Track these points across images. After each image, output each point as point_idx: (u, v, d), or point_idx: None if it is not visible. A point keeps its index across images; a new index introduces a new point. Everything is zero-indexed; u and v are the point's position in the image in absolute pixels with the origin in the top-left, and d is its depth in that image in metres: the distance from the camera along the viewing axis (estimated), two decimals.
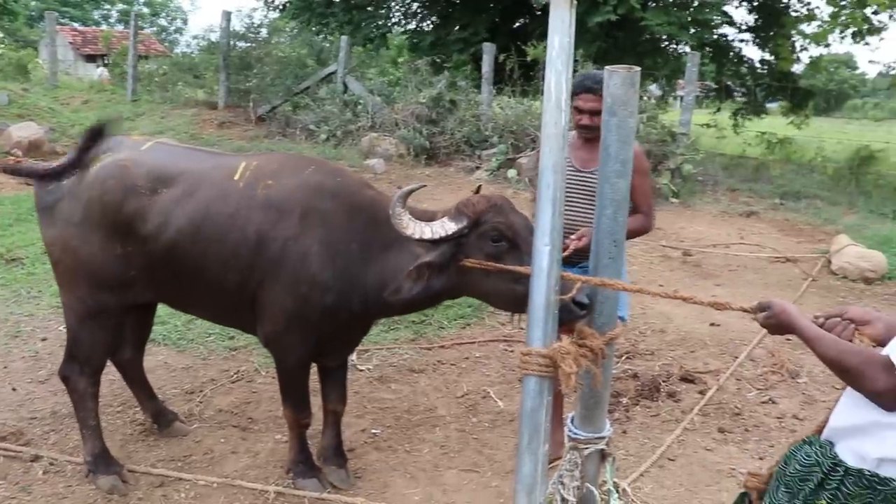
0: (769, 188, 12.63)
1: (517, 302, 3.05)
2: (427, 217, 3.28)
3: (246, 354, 5.57)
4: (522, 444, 2.74)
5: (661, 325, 6.53)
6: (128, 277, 3.64)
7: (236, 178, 3.54)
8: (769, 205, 11.80)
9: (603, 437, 3.16)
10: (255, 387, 5.10)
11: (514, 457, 3.00)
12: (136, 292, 3.73)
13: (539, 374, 2.68)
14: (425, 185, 3.57)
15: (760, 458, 4.45)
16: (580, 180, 3.96)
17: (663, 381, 5.36)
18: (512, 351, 5.84)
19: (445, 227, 3.12)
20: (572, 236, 3.69)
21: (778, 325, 2.27)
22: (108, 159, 3.63)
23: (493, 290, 3.21)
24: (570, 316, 2.83)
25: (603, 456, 3.19)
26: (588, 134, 3.94)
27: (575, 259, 3.73)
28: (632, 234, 3.87)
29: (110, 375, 4.42)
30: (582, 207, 3.94)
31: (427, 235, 3.10)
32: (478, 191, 3.50)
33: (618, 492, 3.76)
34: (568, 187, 3.80)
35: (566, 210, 3.78)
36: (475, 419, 4.83)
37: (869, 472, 2.03)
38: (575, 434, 3.14)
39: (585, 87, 3.84)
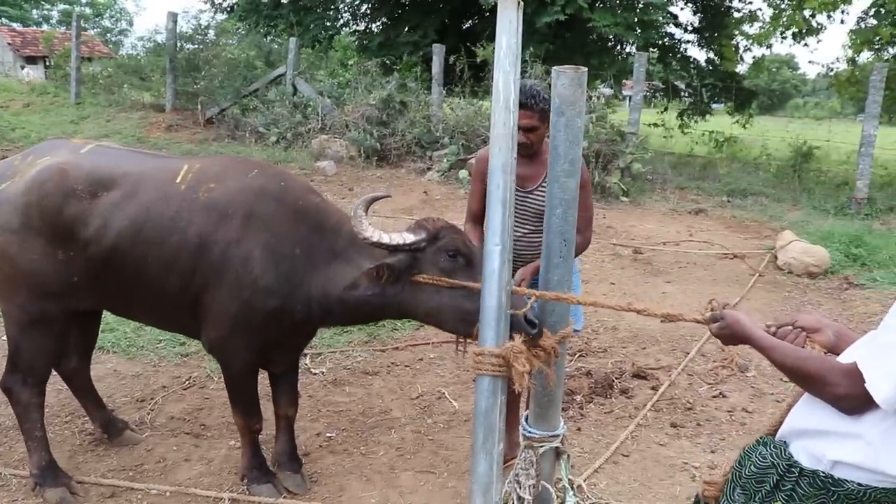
0: (716, 186, 12.87)
1: (464, 319, 3.10)
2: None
3: (198, 360, 5.49)
4: (477, 443, 2.75)
5: (614, 322, 6.61)
6: (70, 283, 3.56)
7: (178, 180, 3.49)
8: (717, 202, 12.03)
9: (557, 435, 3.18)
10: (208, 393, 5.03)
11: (470, 457, 3.01)
12: (79, 298, 3.65)
13: (492, 373, 2.70)
14: (389, 196, 3.55)
15: (712, 452, 4.53)
16: (520, 200, 3.79)
17: (616, 378, 5.42)
18: (465, 352, 5.84)
19: (404, 236, 3.13)
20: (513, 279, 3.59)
21: (731, 335, 2.26)
22: (46, 163, 3.54)
23: (442, 306, 3.21)
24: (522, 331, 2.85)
25: (558, 454, 3.22)
26: (523, 152, 3.65)
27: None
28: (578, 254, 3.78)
29: (57, 385, 4.32)
30: (524, 229, 3.85)
31: (386, 240, 3.09)
32: None
33: (573, 489, 3.79)
34: None
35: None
36: (430, 420, 4.83)
37: (823, 473, 2.03)
38: (529, 433, 3.16)
39: (518, 103, 3.73)
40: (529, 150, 3.64)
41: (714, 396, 5.28)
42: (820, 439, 2.07)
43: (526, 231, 3.84)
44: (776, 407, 5.14)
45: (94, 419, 4.34)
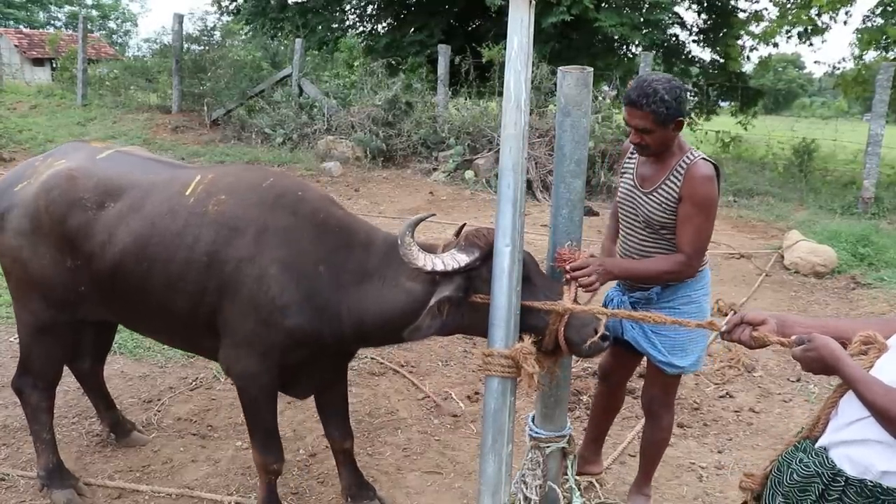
0: (723, 186, 12.74)
1: (529, 336, 2.86)
2: (427, 249, 3.07)
3: (204, 362, 5.48)
4: (486, 444, 2.74)
5: None
6: (78, 293, 3.45)
7: (187, 192, 3.26)
8: (723, 202, 11.98)
9: (564, 436, 3.19)
10: (215, 394, 5.03)
11: (476, 457, 3.01)
12: (88, 309, 3.54)
13: (501, 374, 2.69)
14: (434, 214, 3.29)
15: (719, 452, 4.51)
16: (640, 200, 3.40)
17: None
18: (472, 353, 5.84)
19: (457, 258, 2.89)
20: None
21: (818, 359, 2.06)
22: (59, 167, 3.46)
23: None
24: (599, 349, 2.89)
25: (564, 454, 3.22)
26: (641, 152, 3.32)
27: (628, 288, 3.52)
28: (658, 278, 3.31)
29: (64, 386, 4.33)
30: (633, 231, 3.49)
31: (440, 267, 2.85)
32: (461, 230, 3.21)
33: (580, 489, 3.80)
34: (625, 205, 3.48)
35: (624, 232, 3.51)
36: (437, 421, 4.82)
37: (871, 482, 1.96)
38: (536, 433, 3.17)
39: (629, 99, 3.13)
40: (647, 151, 3.25)
41: (721, 396, 5.27)
42: (864, 449, 2.00)
43: (635, 234, 3.49)
44: (783, 407, 5.14)
45: (104, 419, 4.35)
